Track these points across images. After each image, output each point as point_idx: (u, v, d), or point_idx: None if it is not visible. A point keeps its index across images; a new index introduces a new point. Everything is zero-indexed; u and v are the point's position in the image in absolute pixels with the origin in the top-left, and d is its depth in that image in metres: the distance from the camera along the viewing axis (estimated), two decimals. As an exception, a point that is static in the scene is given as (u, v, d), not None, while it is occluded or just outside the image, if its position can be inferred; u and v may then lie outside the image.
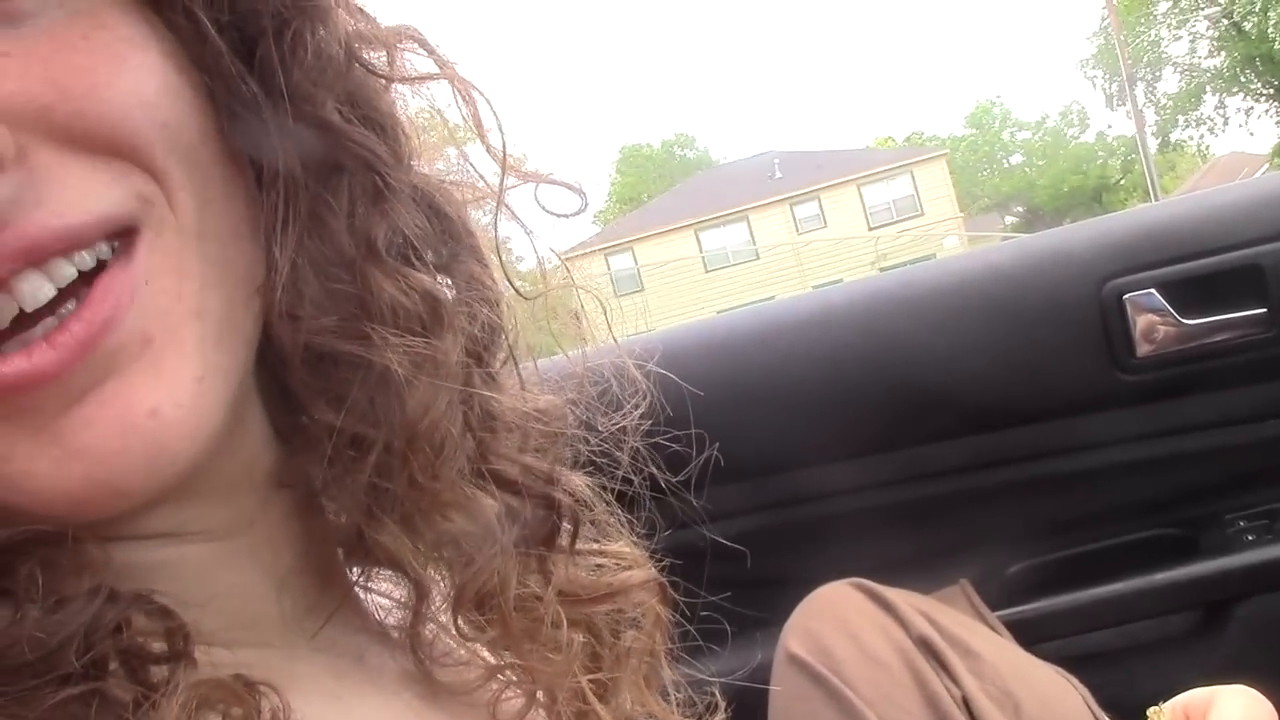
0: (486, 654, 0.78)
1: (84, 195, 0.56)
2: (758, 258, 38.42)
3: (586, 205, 0.82)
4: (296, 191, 0.66)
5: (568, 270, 0.87)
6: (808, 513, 1.68)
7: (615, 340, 0.90)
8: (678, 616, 0.90)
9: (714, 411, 1.26)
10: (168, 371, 0.59)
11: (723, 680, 0.91)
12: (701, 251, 39.01)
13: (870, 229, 38.39)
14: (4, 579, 0.57)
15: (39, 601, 0.56)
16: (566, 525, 0.79)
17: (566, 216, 0.81)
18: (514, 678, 0.77)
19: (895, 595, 1.29)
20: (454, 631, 0.78)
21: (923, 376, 1.61)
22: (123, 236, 0.59)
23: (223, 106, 0.64)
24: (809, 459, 1.64)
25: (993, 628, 1.50)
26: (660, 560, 0.88)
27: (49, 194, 0.55)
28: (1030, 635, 1.47)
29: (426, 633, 0.77)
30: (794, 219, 39.61)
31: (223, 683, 0.59)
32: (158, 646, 0.58)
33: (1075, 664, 1.31)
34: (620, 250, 38.87)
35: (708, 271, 38.25)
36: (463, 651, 0.79)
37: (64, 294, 0.57)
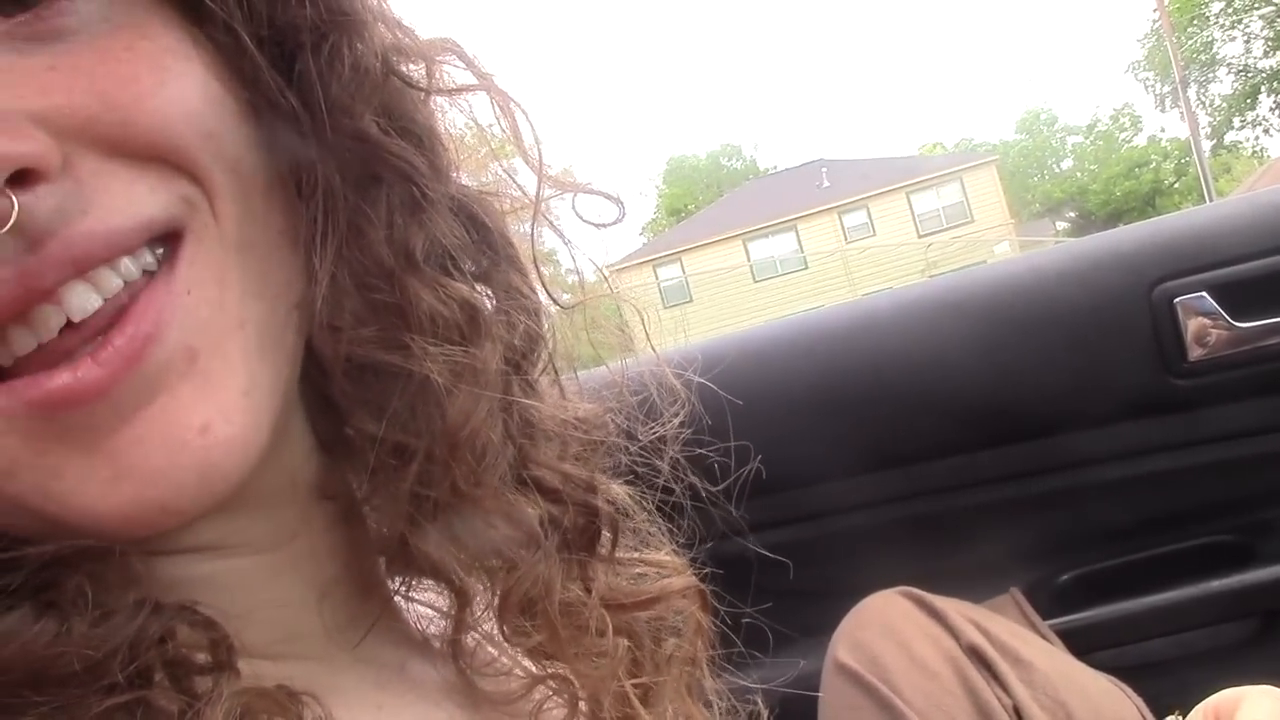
0: (529, 663, 0.78)
1: (128, 201, 0.57)
2: (806, 267, 38.28)
3: (624, 214, 0.83)
4: (335, 203, 0.66)
5: (607, 281, 0.87)
6: (853, 522, 1.67)
7: (655, 350, 0.90)
8: (720, 625, 0.90)
9: (757, 421, 1.25)
10: (215, 386, 0.59)
11: (765, 688, 0.90)
12: (749, 261, 38.94)
13: (920, 236, 38.13)
14: (51, 592, 0.57)
15: (85, 614, 0.56)
16: (606, 533, 0.80)
17: (604, 226, 0.81)
18: (555, 687, 0.77)
19: (945, 604, 1.27)
20: (498, 639, 0.78)
21: (970, 383, 1.60)
22: (166, 242, 0.60)
23: (263, 119, 0.64)
24: (854, 468, 1.63)
25: (1044, 636, 1.49)
26: (702, 569, 0.88)
27: (94, 202, 0.56)
28: (1083, 644, 1.45)
29: (468, 642, 0.77)
30: (842, 227, 39.42)
31: (266, 692, 0.59)
32: (202, 657, 0.59)
33: (1129, 673, 1.29)
34: (668, 261, 38.88)
35: (756, 281, 38.16)
36: (505, 661, 0.79)
37: (108, 304, 0.57)
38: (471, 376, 0.70)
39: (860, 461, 1.64)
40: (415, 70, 0.72)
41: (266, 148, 0.65)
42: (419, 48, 0.73)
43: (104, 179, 0.56)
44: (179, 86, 0.60)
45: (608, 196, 0.81)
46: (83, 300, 0.56)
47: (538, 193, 0.78)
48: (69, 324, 0.56)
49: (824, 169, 42.96)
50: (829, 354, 1.67)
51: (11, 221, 0.52)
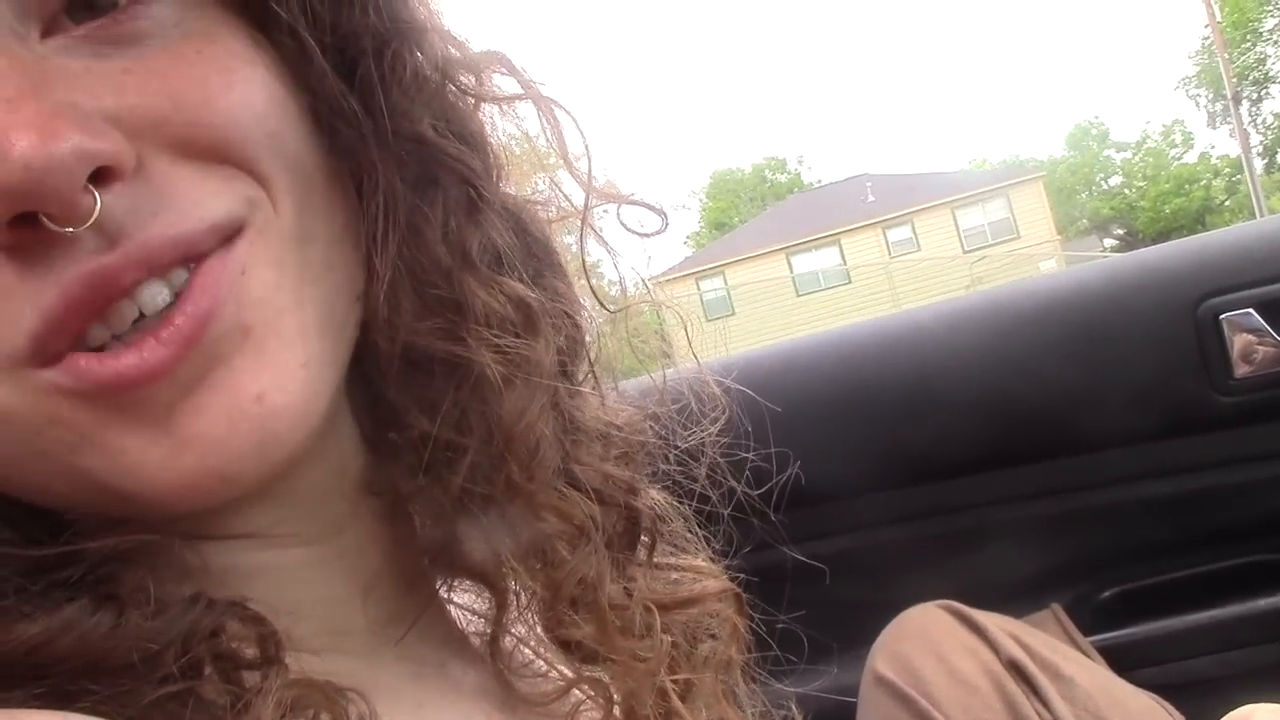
0: (564, 666, 0.79)
1: (196, 202, 0.59)
2: (849, 281, 38.11)
3: (668, 225, 0.84)
4: (395, 203, 0.68)
5: (649, 290, 0.88)
6: (893, 535, 1.66)
7: (697, 360, 0.90)
8: (756, 633, 0.90)
9: (796, 432, 1.26)
10: (271, 357, 0.61)
11: (800, 691, 0.91)
12: (793, 275, 38.84)
13: (965, 252, 37.89)
14: (108, 585, 0.59)
15: (141, 608, 0.58)
16: (644, 538, 0.81)
17: (648, 236, 0.83)
18: (591, 691, 0.78)
19: (985, 618, 1.27)
20: (538, 639, 0.79)
21: (1012, 398, 1.59)
22: (230, 238, 0.62)
23: (324, 122, 0.66)
24: (895, 480, 1.63)
25: (1085, 653, 1.48)
26: (739, 577, 0.89)
27: (164, 204, 0.58)
28: (1125, 661, 1.44)
29: (506, 644, 0.79)
30: (886, 242, 39.24)
31: (315, 684, 0.61)
32: (250, 652, 0.60)
33: (1173, 691, 1.28)
34: (711, 274, 38.87)
35: (799, 295, 38.03)
36: (541, 663, 0.80)
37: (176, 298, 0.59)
38: (526, 371, 0.72)
39: (901, 474, 1.64)
40: (467, 80, 0.74)
41: (327, 148, 0.67)
42: (470, 59, 0.75)
43: (173, 180, 0.59)
44: (245, 89, 0.62)
45: (652, 208, 0.82)
46: (154, 295, 0.58)
47: (585, 204, 0.80)
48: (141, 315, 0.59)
49: (869, 183, 42.81)
50: (870, 366, 1.67)
51: (95, 217, 0.54)
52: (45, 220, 0.54)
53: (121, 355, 0.58)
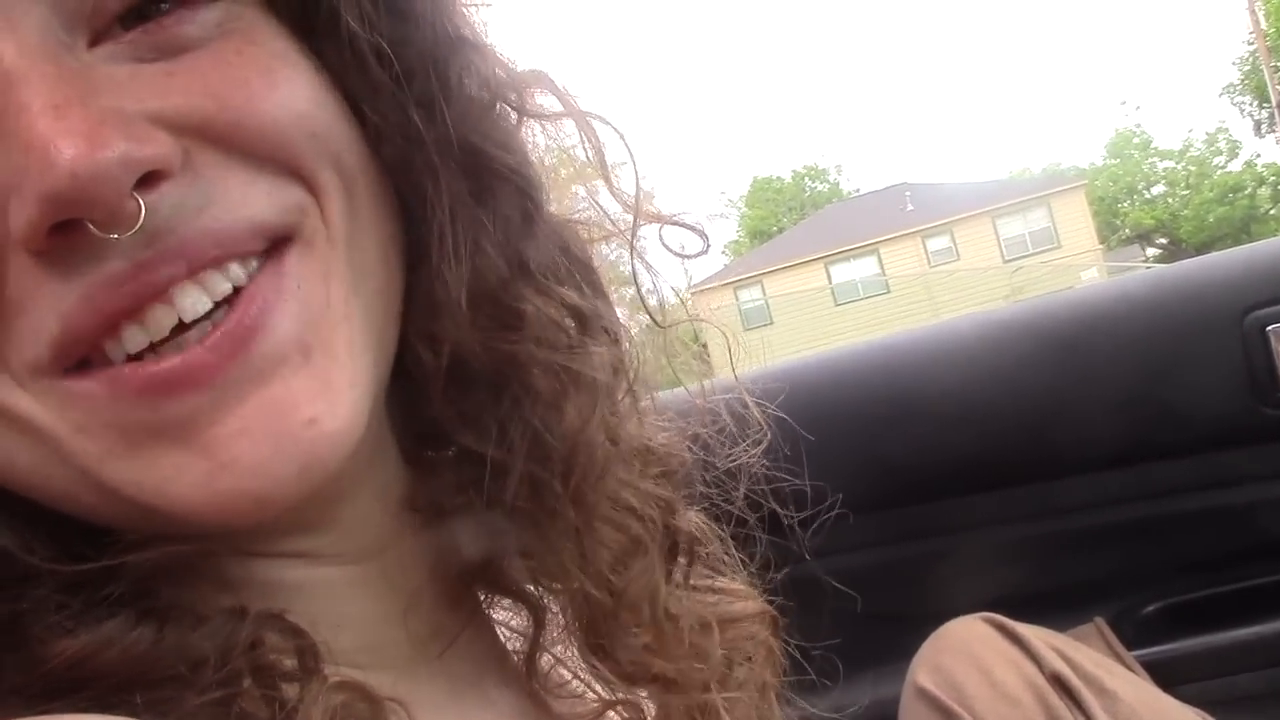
0: (599, 688, 0.79)
1: (242, 203, 0.59)
2: (888, 291, 37.90)
3: (709, 246, 0.84)
4: (456, 214, 0.68)
5: (685, 307, 0.88)
6: (933, 547, 1.65)
7: (735, 373, 0.90)
8: (794, 650, 0.90)
9: (835, 443, 1.25)
10: (326, 379, 0.61)
11: (835, 716, 0.90)
12: (831, 284, 38.70)
13: (1005, 261, 37.62)
14: (149, 599, 0.59)
15: (180, 621, 0.58)
16: (682, 559, 0.81)
17: (690, 257, 0.83)
18: (627, 714, 0.78)
19: (1027, 631, 1.26)
20: (571, 663, 0.79)
21: (1055, 409, 1.58)
22: (276, 245, 0.62)
23: (374, 133, 0.67)
24: (935, 493, 1.62)
25: (1129, 667, 1.46)
26: (777, 594, 0.88)
27: (211, 198, 0.58)
28: (1169, 677, 1.42)
29: (543, 664, 0.78)
30: (926, 252, 39.04)
31: (363, 691, 0.61)
32: (289, 664, 0.60)
33: (1217, 708, 1.27)
34: (749, 284, 38.78)
35: (837, 305, 37.85)
36: (577, 684, 0.80)
37: (217, 306, 0.59)
38: (586, 381, 0.72)
39: (941, 486, 1.63)
40: (512, 97, 0.75)
41: (373, 156, 0.67)
42: (514, 77, 0.75)
43: (221, 174, 0.59)
44: (288, 89, 0.62)
45: (694, 229, 0.82)
46: (193, 301, 0.58)
47: (634, 227, 0.80)
48: (179, 324, 0.58)
49: (908, 192, 42.62)
50: (911, 377, 1.66)
51: (139, 224, 0.55)
52: (90, 226, 0.54)
53: (161, 360, 0.57)
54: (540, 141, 0.78)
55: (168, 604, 0.60)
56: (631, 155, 0.80)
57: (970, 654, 1.24)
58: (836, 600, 1.11)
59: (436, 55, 0.68)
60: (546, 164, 0.77)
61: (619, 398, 0.79)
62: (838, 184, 71.64)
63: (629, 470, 0.78)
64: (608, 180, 0.79)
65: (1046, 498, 1.62)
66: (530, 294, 0.71)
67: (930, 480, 1.61)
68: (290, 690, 0.59)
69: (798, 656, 0.91)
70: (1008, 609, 1.31)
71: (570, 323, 0.73)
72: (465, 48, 0.71)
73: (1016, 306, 1.75)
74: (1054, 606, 1.59)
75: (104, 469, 0.58)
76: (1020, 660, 1.22)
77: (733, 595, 0.87)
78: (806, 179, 71.52)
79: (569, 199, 0.81)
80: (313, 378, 0.60)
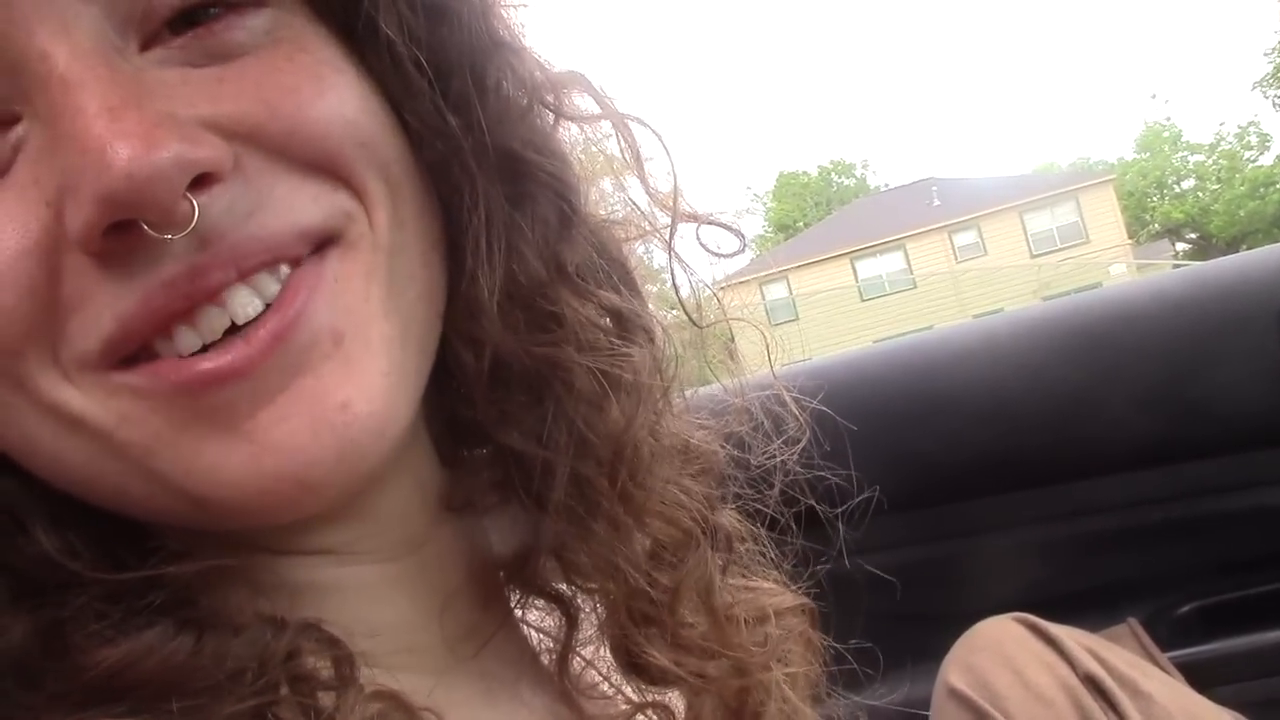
0: (629, 691, 0.79)
1: (291, 206, 0.60)
2: (915, 287, 37.82)
3: (745, 247, 0.84)
4: (494, 218, 0.69)
5: (720, 304, 0.88)
6: (965, 547, 1.65)
7: (773, 371, 0.90)
8: (829, 645, 0.90)
9: (867, 443, 1.25)
10: (357, 366, 0.62)
11: (873, 704, 0.90)
12: (857, 280, 38.61)
13: (1032, 256, 37.45)
14: (187, 609, 0.60)
15: (218, 631, 0.59)
16: (721, 555, 0.81)
17: (727, 256, 0.83)
18: (655, 717, 0.78)
19: (1061, 631, 1.25)
20: (601, 665, 0.79)
21: (1089, 408, 1.57)
22: (320, 247, 0.62)
23: (416, 136, 0.67)
24: (967, 492, 1.61)
25: (1163, 668, 1.45)
26: (813, 591, 0.88)
27: (261, 204, 0.59)
28: (1204, 678, 1.41)
29: (574, 665, 0.78)
30: (953, 247, 38.88)
31: (399, 701, 0.61)
32: (326, 672, 0.61)
33: (1253, 709, 1.25)
34: (775, 279, 38.71)
35: (863, 300, 37.81)
36: (608, 686, 0.80)
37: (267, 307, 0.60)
38: (627, 381, 0.72)
39: (971, 486, 1.62)
40: (550, 99, 0.75)
41: (416, 161, 0.68)
42: (552, 79, 0.75)
43: (270, 179, 0.60)
44: (337, 96, 0.63)
45: (729, 228, 0.82)
46: (244, 304, 0.59)
47: (672, 226, 0.80)
48: (231, 325, 0.59)
49: (934, 187, 42.44)
50: (941, 376, 1.66)
51: (192, 225, 0.55)
52: (145, 227, 0.55)
53: (205, 358, 0.58)
54: (576, 138, 0.78)
55: (206, 613, 0.60)
56: (669, 155, 0.80)
57: (1002, 654, 1.23)
58: (867, 599, 1.11)
59: (474, 59, 0.69)
60: (582, 161, 0.77)
61: (659, 396, 0.79)
62: (864, 179, 71.51)
63: (669, 466, 0.78)
64: (644, 181, 0.79)
65: (1079, 496, 1.61)
66: (568, 296, 0.71)
67: (960, 479, 1.61)
68: (326, 699, 0.60)
69: (835, 651, 0.91)
70: (1039, 609, 1.30)
71: (609, 324, 0.73)
72: (503, 51, 0.71)
73: (1047, 304, 1.74)
74: (1086, 606, 1.58)
75: (151, 458, 0.60)
76: (1053, 661, 1.21)
77: (769, 591, 0.87)
78: (833, 174, 71.39)
79: (603, 196, 0.82)
80: (343, 363, 0.61)
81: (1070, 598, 1.60)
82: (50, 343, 0.58)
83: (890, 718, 0.97)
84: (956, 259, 38.47)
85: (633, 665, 0.76)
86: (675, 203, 0.80)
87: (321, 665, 0.61)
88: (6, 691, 0.57)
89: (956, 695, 1.20)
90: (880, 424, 1.56)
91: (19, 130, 0.57)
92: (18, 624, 0.58)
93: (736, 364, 0.91)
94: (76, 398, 0.59)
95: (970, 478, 1.61)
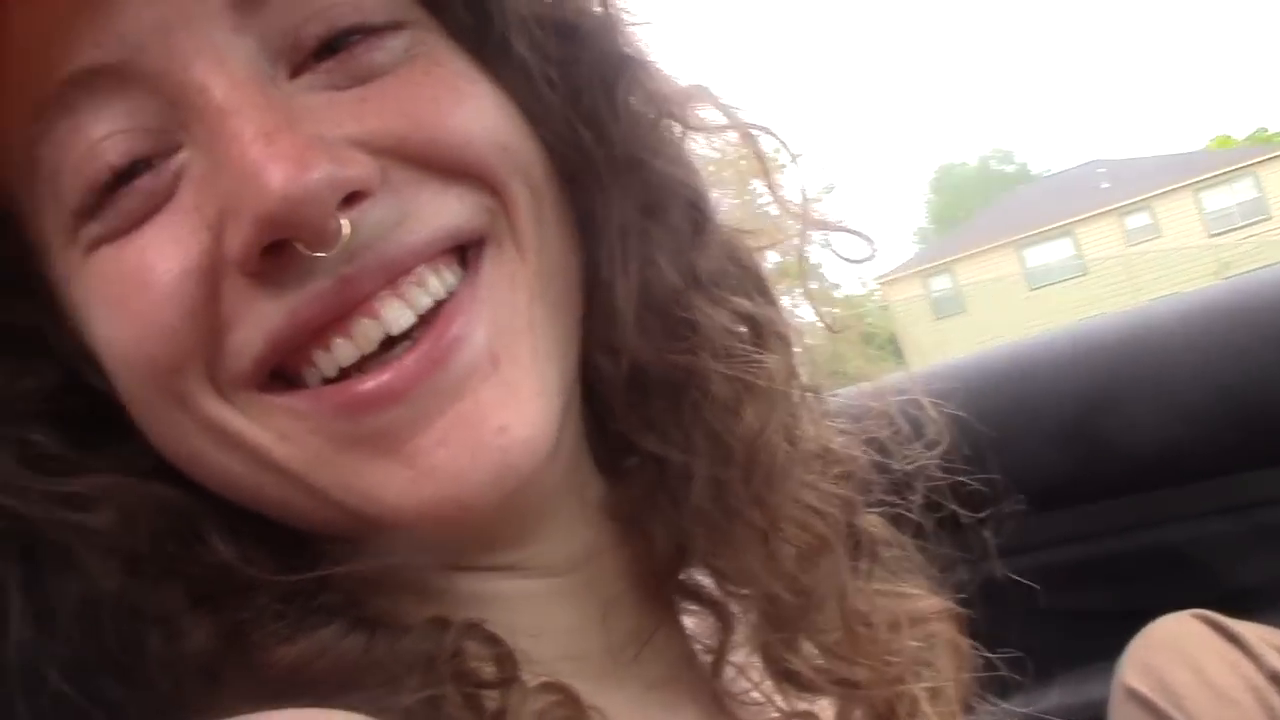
0: (780, 699, 0.80)
1: (436, 214, 0.64)
2: (1086, 273, 36.57)
3: (875, 253, 0.84)
4: (628, 228, 0.71)
5: (855, 306, 0.88)
6: (1137, 542, 1.59)
7: (913, 371, 0.89)
8: (985, 650, 0.88)
9: (1030, 437, 1.22)
10: (513, 389, 0.64)
11: (1025, 712, 0.88)
12: (1024, 269, 37.56)
13: (1210, 237, 35.85)
14: (358, 609, 0.64)
15: (387, 631, 0.62)
16: (864, 560, 0.80)
17: (856, 263, 0.83)
18: None
19: (1243, 628, 1.20)
20: (752, 673, 0.79)
21: (1263, 397, 1.49)
22: (467, 252, 0.65)
23: (548, 149, 0.70)
24: (1133, 485, 1.56)
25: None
26: (966, 593, 0.87)
27: (408, 213, 0.62)
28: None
29: (727, 671, 0.79)
30: (1124, 230, 37.51)
31: (565, 696, 0.63)
32: (489, 672, 0.63)
33: None
34: (938, 271, 37.98)
35: (1032, 290, 36.74)
36: (756, 694, 0.81)
37: (420, 321, 0.63)
38: (761, 387, 0.73)
39: (1144, 478, 1.57)
40: (677, 111, 0.77)
41: (552, 169, 0.70)
42: (679, 92, 0.77)
43: (415, 189, 0.63)
44: (475, 105, 0.66)
45: (859, 234, 0.83)
46: (398, 315, 0.62)
47: (804, 234, 0.80)
48: (386, 337, 0.62)
49: (1102, 169, 40.98)
50: (1107, 366, 1.60)
51: (343, 242, 0.58)
52: (298, 246, 0.58)
53: (364, 379, 0.61)
54: (709, 148, 0.79)
55: (375, 614, 0.64)
56: (796, 163, 0.80)
57: (1182, 653, 1.18)
58: (1033, 598, 1.08)
59: (604, 74, 0.71)
60: (713, 171, 0.78)
61: (795, 401, 0.79)
62: (1026, 165, 69.64)
63: (809, 471, 0.78)
64: (774, 190, 0.80)
65: (1254, 488, 1.54)
66: (702, 303, 0.72)
67: (1128, 473, 1.55)
68: (490, 697, 0.62)
69: (988, 656, 0.89)
70: (1219, 605, 1.24)
71: (743, 330, 0.73)
72: (630, 65, 0.73)
73: (1219, 287, 1.68)
74: (1267, 603, 1.50)
75: (312, 474, 0.63)
76: (1237, 660, 1.16)
77: (915, 596, 0.86)
78: (993, 161, 69.74)
79: (735, 202, 0.82)
80: (501, 387, 0.64)
81: (1251, 593, 1.53)
82: (208, 362, 0.62)
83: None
84: (1129, 243, 37.06)
85: (781, 672, 0.76)
86: (805, 210, 0.80)
87: (485, 665, 0.63)
88: (192, 690, 0.62)
89: (1135, 696, 1.16)
90: (1041, 418, 1.52)
91: (181, 158, 0.62)
92: (200, 627, 0.63)
93: (895, 362, 0.90)
94: (235, 417, 0.63)
95: (1138, 471, 1.55)
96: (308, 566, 0.65)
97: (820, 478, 0.79)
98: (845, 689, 0.77)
